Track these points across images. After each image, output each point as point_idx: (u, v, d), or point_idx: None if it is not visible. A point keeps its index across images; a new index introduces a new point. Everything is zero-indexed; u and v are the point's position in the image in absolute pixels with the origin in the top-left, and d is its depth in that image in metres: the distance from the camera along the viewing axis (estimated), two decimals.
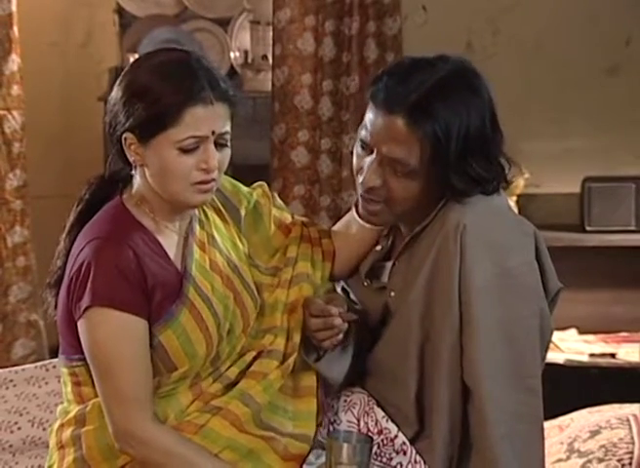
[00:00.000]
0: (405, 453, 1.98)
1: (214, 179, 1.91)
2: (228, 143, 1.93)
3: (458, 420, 1.91)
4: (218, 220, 2.07)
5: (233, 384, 1.98)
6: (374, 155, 1.93)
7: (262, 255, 2.10)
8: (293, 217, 2.17)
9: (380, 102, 1.90)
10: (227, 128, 1.92)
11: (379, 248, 2.09)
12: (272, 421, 1.98)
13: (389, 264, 2.05)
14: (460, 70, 1.91)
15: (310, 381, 2.04)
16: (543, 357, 1.98)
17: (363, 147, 1.95)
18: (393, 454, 1.98)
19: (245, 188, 2.14)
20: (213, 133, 1.89)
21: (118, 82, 1.93)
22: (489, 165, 1.91)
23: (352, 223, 2.13)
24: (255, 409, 1.96)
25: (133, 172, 1.97)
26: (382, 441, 1.99)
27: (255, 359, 2.01)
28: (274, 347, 2.01)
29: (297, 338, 2.02)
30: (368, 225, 2.07)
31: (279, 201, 2.18)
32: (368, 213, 1.98)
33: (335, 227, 2.18)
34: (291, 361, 2.01)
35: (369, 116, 1.93)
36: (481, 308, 1.86)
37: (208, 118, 1.88)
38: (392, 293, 2.01)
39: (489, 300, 1.87)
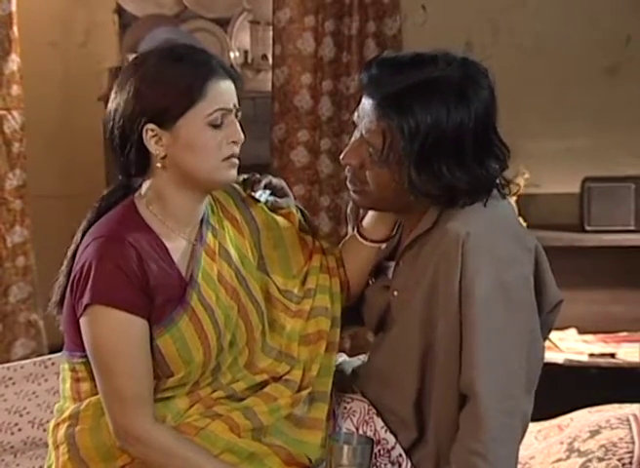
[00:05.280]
0: (400, 466, 1.97)
1: (238, 154, 1.95)
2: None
3: (454, 427, 1.88)
4: (232, 231, 2.05)
5: (239, 399, 1.97)
6: (358, 135, 1.95)
7: (279, 274, 2.08)
8: (314, 243, 2.13)
9: (364, 85, 1.93)
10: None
11: (384, 245, 2.08)
12: (272, 444, 1.96)
13: (392, 264, 2.04)
14: (457, 76, 1.89)
15: (320, 414, 2.01)
16: (533, 380, 1.94)
17: (355, 127, 1.97)
18: (389, 465, 1.98)
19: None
20: (234, 106, 1.94)
21: (119, 85, 1.92)
22: (462, 173, 1.87)
23: (354, 244, 2.11)
24: (256, 424, 1.95)
25: (146, 168, 1.95)
26: (379, 451, 1.98)
27: (267, 382, 2.00)
28: (291, 377, 2.01)
29: (314, 371, 2.02)
30: (368, 243, 2.08)
31: (305, 224, 2.15)
32: (352, 192, 2.00)
33: (340, 249, 2.15)
34: (304, 393, 2.00)
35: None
36: (480, 320, 1.85)
37: (228, 91, 1.94)
38: (395, 293, 2.00)
39: (487, 312, 1.85)
